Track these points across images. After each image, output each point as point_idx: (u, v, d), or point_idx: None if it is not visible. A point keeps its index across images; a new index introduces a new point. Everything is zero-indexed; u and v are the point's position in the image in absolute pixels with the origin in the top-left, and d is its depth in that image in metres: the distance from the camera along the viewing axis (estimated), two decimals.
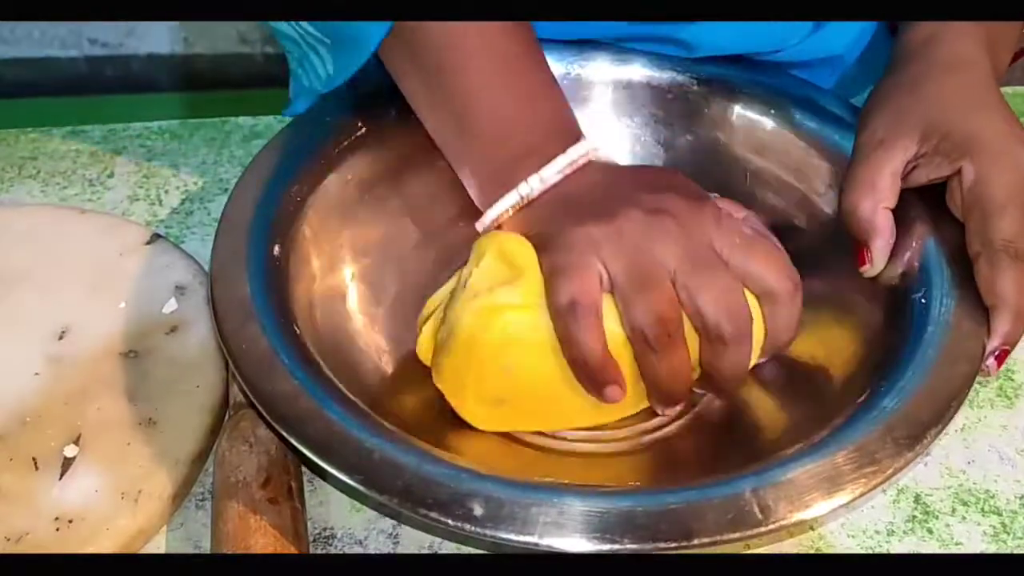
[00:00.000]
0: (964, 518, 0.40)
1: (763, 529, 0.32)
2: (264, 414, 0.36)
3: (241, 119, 0.60)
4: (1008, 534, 0.40)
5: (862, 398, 0.37)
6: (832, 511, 0.33)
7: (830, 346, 0.42)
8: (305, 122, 0.48)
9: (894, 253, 0.41)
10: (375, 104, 0.48)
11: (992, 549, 0.39)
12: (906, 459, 0.34)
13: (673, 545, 0.32)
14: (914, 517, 0.40)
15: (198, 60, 1.30)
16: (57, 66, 1.30)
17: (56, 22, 1.27)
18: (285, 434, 0.35)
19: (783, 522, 0.33)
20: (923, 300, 0.39)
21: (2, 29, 1.27)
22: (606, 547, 0.32)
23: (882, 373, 0.37)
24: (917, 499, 0.41)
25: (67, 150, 0.58)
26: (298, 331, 0.39)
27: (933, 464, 0.42)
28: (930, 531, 0.40)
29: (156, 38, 1.29)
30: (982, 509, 0.41)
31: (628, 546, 0.32)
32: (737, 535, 0.32)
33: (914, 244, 0.41)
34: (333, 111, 0.48)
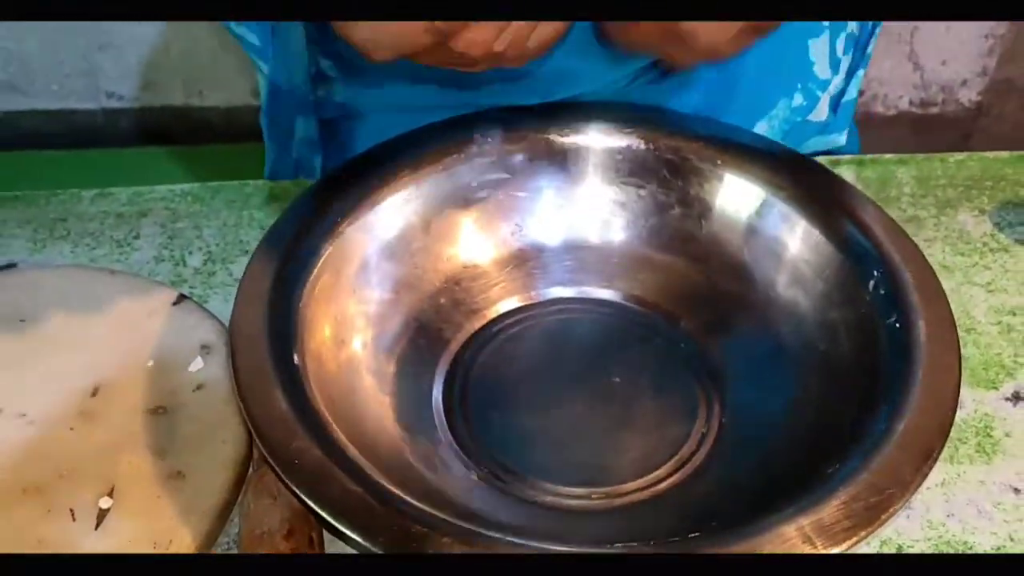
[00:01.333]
0: None
1: None
2: (281, 476, 0.38)
3: (260, 182, 0.63)
4: None
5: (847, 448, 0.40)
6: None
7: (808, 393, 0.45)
8: (320, 190, 0.51)
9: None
10: (382, 176, 0.51)
11: None
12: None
13: None
14: None
15: (211, 112, 1.34)
16: (74, 118, 1.34)
17: (74, 76, 1.31)
18: (300, 494, 0.38)
19: None
20: (897, 324, 0.42)
21: (21, 82, 1.31)
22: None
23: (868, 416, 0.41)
24: (899, 550, 0.44)
25: (95, 212, 0.61)
26: (312, 394, 0.42)
27: (915, 517, 0.45)
28: None
29: (170, 91, 1.33)
30: None
31: None
32: None
33: (876, 273, 0.45)
34: (343, 183, 0.51)
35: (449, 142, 0.54)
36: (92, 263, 0.57)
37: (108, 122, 1.35)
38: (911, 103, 1.29)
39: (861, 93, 1.27)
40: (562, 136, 0.54)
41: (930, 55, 1.24)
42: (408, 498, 0.38)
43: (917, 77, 1.26)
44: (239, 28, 0.61)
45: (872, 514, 0.36)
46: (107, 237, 0.60)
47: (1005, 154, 0.66)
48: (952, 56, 1.24)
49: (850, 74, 0.65)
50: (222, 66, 1.29)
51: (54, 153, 1.35)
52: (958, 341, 0.43)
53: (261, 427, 0.39)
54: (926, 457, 0.39)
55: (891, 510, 0.37)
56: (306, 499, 0.37)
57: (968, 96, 1.28)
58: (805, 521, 0.36)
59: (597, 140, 0.55)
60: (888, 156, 0.65)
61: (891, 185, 0.63)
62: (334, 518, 0.36)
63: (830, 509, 0.37)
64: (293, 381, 0.41)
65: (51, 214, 0.61)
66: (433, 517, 0.37)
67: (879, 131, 1.30)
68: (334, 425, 0.41)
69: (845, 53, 0.64)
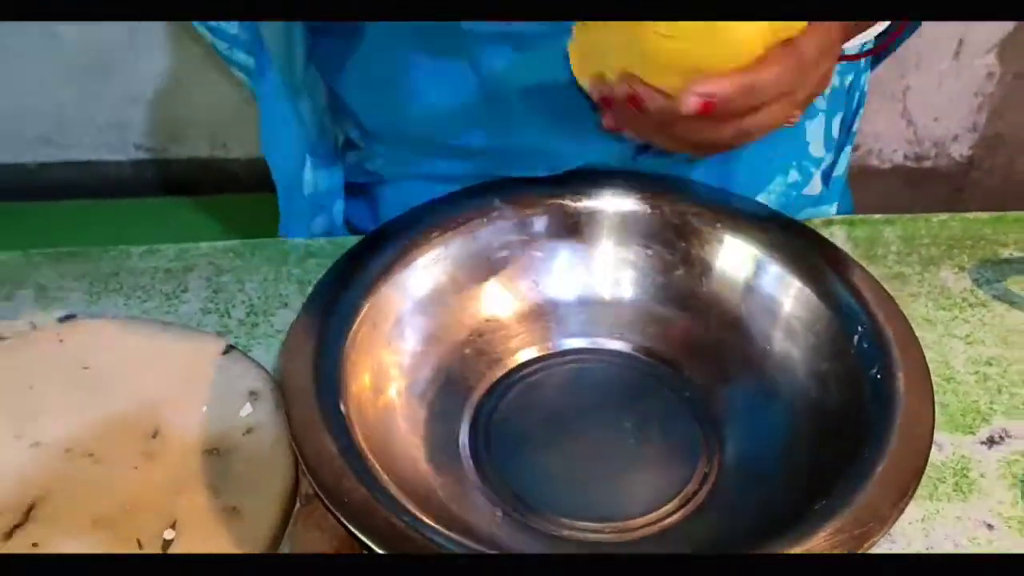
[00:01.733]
0: None
1: None
2: (333, 511, 0.43)
3: (297, 240, 0.69)
4: None
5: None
6: None
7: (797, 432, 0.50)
8: (358, 252, 0.57)
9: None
10: (413, 239, 0.57)
11: None
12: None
13: None
14: None
15: (234, 164, 1.40)
16: (104, 169, 1.40)
17: (106, 129, 1.37)
18: (349, 527, 0.42)
19: None
20: (878, 375, 0.47)
21: (55, 135, 1.37)
22: None
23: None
24: None
25: (145, 267, 0.67)
26: (356, 438, 0.47)
27: (897, 549, 0.49)
28: None
29: (195, 143, 1.39)
30: None
31: None
32: None
33: (860, 329, 0.50)
34: (379, 246, 0.56)
35: (472, 208, 0.59)
36: (144, 315, 0.63)
37: (136, 173, 1.40)
38: (905, 157, 1.35)
39: (856, 148, 1.33)
40: (575, 202, 0.60)
41: (922, 112, 1.30)
42: (441, 529, 0.43)
43: (911, 133, 1.32)
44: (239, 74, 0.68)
45: (855, 544, 0.41)
46: (157, 291, 0.65)
47: (985, 215, 0.71)
48: (943, 113, 1.30)
49: (839, 150, 0.70)
50: (246, 119, 1.35)
51: (84, 203, 1.41)
52: (932, 392, 0.48)
53: (314, 469, 0.44)
54: (902, 495, 0.43)
55: (871, 541, 0.41)
56: (355, 531, 0.42)
57: (959, 151, 1.34)
58: (796, 550, 0.41)
59: (607, 205, 0.60)
60: (876, 216, 0.70)
61: (879, 244, 0.68)
62: (379, 547, 0.41)
63: (817, 539, 0.41)
64: (339, 427, 0.46)
65: (104, 269, 0.67)
66: (461, 546, 0.42)
67: (875, 184, 1.36)
68: (376, 465, 0.45)
69: (840, 131, 0.69)
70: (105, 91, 1.33)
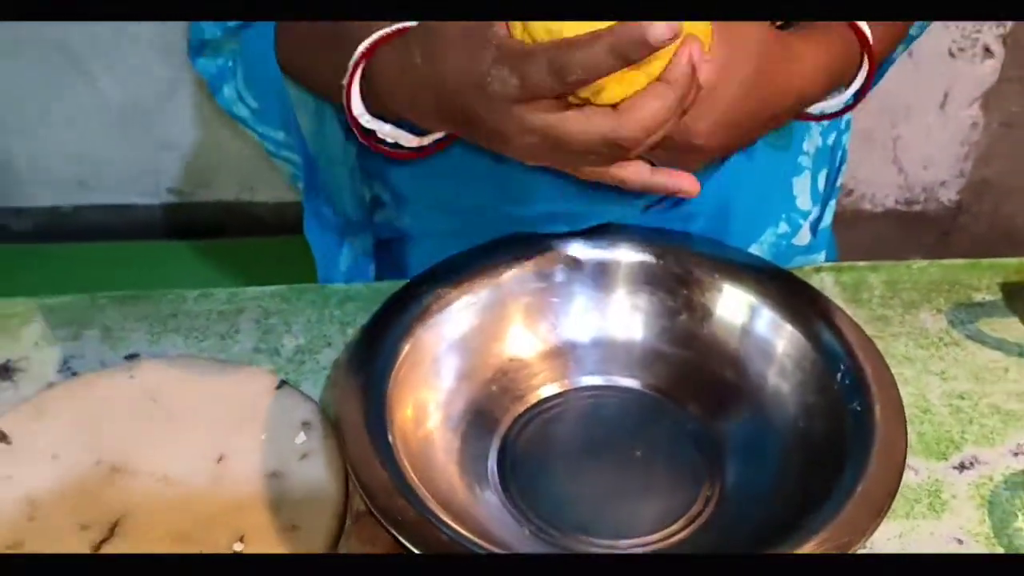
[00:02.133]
0: None
1: None
2: (388, 528, 0.50)
3: (337, 286, 0.76)
4: None
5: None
6: None
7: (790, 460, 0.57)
8: (397, 300, 0.64)
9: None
10: (445, 288, 0.64)
11: None
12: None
13: None
14: None
15: (260, 207, 1.47)
16: (135, 212, 1.48)
17: (138, 174, 1.44)
18: (404, 541, 0.49)
19: None
20: (858, 408, 0.54)
21: (90, 179, 1.45)
22: None
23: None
24: None
25: (200, 310, 0.74)
26: (403, 465, 0.54)
27: None
28: None
29: (224, 187, 1.47)
30: None
31: None
32: None
33: (842, 367, 0.57)
34: (415, 294, 0.63)
35: (498, 260, 0.66)
36: (201, 353, 0.70)
37: (166, 216, 1.48)
38: (896, 202, 1.42)
39: (850, 192, 1.40)
40: (589, 254, 0.67)
41: (912, 159, 1.37)
42: (480, 541, 0.50)
43: (901, 179, 1.39)
44: (281, 152, 0.75)
45: (841, 548, 0.48)
46: (211, 331, 0.72)
47: (960, 262, 0.78)
48: (932, 161, 1.37)
49: (825, 203, 0.78)
50: (272, 166, 1.43)
51: (116, 244, 1.48)
52: (905, 423, 0.55)
53: (371, 492, 0.51)
54: (878, 513, 0.50)
55: (853, 550, 0.48)
56: (409, 545, 0.48)
57: (948, 196, 1.41)
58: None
59: (618, 257, 0.67)
60: (862, 264, 0.77)
61: (864, 288, 0.75)
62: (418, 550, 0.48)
63: (806, 549, 0.48)
64: (389, 457, 0.53)
65: (163, 311, 0.74)
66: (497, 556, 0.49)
67: (868, 227, 1.43)
68: (421, 488, 0.52)
69: (825, 187, 0.77)
70: (140, 139, 1.40)
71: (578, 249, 0.67)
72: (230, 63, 0.70)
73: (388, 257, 0.82)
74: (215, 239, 1.48)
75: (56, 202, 1.46)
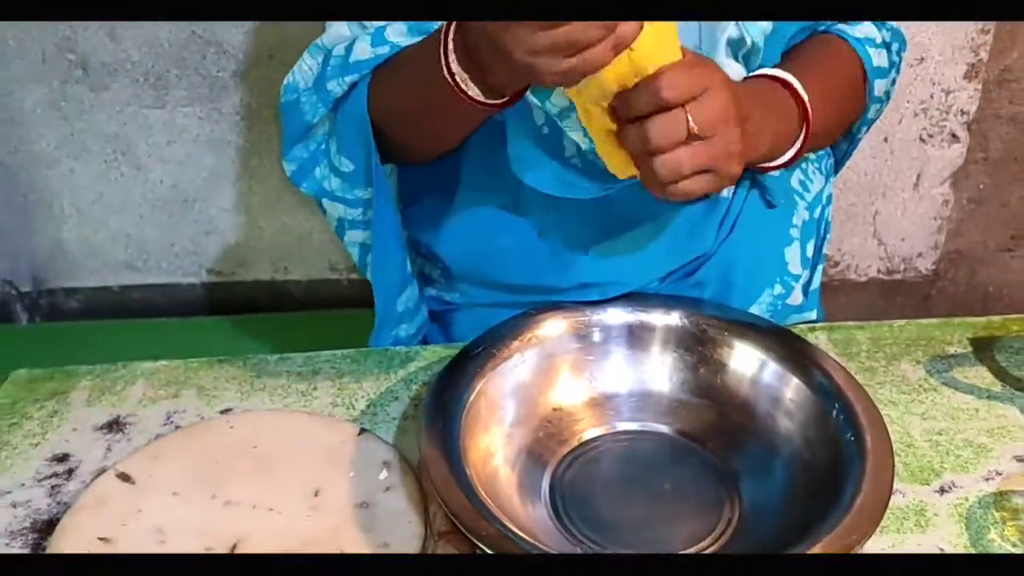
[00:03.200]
0: None
1: None
2: (476, 542, 0.61)
3: (399, 348, 0.87)
4: None
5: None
6: None
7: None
8: (459, 360, 0.75)
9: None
10: (499, 349, 0.76)
11: None
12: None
13: None
14: None
15: (293, 285, 1.59)
16: (178, 291, 1.59)
17: (182, 255, 1.56)
18: (480, 544, 0.60)
19: None
20: (852, 438, 0.66)
21: (136, 260, 1.56)
22: None
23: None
24: None
25: (280, 371, 0.85)
26: (480, 492, 0.64)
27: None
28: None
29: (260, 267, 1.58)
30: None
31: None
32: None
33: (836, 406, 0.69)
34: (475, 356, 0.75)
35: (542, 325, 0.78)
36: (286, 407, 0.81)
37: (206, 294, 1.59)
38: (878, 271, 1.55)
39: (836, 264, 1.53)
40: (619, 318, 0.79)
41: (890, 233, 1.51)
42: (549, 551, 0.61)
43: (882, 251, 1.53)
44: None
45: (844, 551, 0.59)
46: (293, 389, 0.83)
47: (935, 321, 0.90)
48: (908, 234, 1.51)
49: (813, 268, 0.90)
50: (305, 246, 1.54)
51: (161, 320, 1.59)
52: (892, 449, 0.66)
53: (458, 515, 0.61)
54: (873, 524, 0.61)
55: (853, 549, 0.59)
56: (493, 553, 0.59)
57: (924, 265, 1.54)
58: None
59: (643, 320, 0.79)
60: (850, 324, 0.89)
61: (852, 345, 0.87)
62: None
63: (820, 549, 0.59)
64: (467, 486, 0.64)
65: (249, 373, 0.85)
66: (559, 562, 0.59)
67: (854, 294, 1.56)
68: (495, 510, 0.63)
69: (813, 253, 0.90)
70: (183, 223, 1.52)
71: (610, 315, 0.80)
72: (323, 145, 0.82)
73: (436, 324, 0.94)
74: (251, 315, 1.59)
75: (104, 282, 1.57)
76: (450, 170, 0.85)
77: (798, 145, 0.78)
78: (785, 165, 0.79)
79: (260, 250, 1.56)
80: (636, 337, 0.79)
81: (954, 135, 1.42)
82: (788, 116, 0.77)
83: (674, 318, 0.79)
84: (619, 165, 0.68)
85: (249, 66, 1.35)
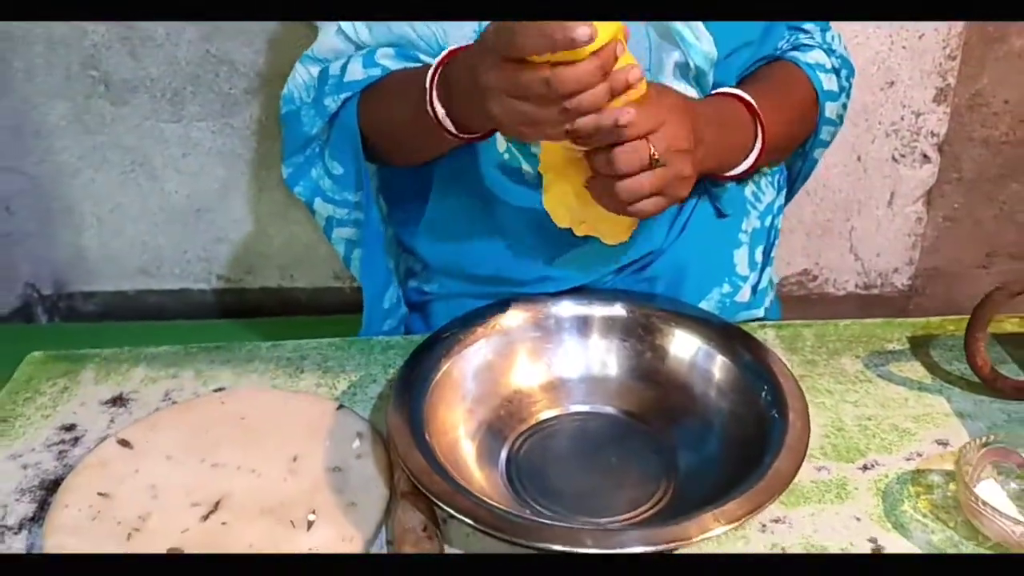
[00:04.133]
0: None
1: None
2: (430, 496, 0.68)
3: (380, 338, 0.95)
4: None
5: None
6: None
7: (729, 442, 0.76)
8: (428, 345, 0.83)
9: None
10: (464, 335, 0.84)
11: None
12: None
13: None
14: None
15: (299, 292, 1.67)
16: (190, 296, 1.67)
17: (194, 262, 1.65)
18: (441, 504, 0.67)
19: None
20: (776, 415, 0.73)
21: (151, 267, 1.65)
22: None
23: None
24: (782, 551, 0.72)
25: (271, 356, 0.93)
26: (439, 456, 0.72)
27: (794, 531, 0.73)
28: None
29: (268, 275, 1.67)
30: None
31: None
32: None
33: (764, 387, 0.77)
34: (443, 340, 0.83)
35: (504, 314, 0.86)
36: (275, 387, 0.89)
37: (217, 299, 1.68)
38: (856, 286, 1.62)
39: (815, 278, 1.60)
40: (574, 310, 0.87)
41: (867, 249, 1.57)
42: (495, 504, 0.68)
43: (859, 266, 1.59)
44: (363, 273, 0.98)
45: (753, 509, 0.66)
46: (281, 372, 0.91)
47: (878, 321, 0.97)
48: (884, 250, 1.57)
49: (761, 271, 0.98)
50: (311, 255, 1.63)
51: (173, 323, 1.67)
52: (809, 423, 0.73)
53: (416, 474, 0.69)
54: (784, 484, 0.68)
55: (763, 507, 0.66)
56: (444, 507, 0.67)
57: (900, 280, 1.61)
58: (717, 511, 0.66)
59: (595, 311, 0.87)
60: (798, 322, 0.97)
61: (798, 340, 0.94)
62: (456, 513, 0.66)
63: (732, 506, 0.66)
64: (427, 450, 0.72)
65: (242, 357, 0.93)
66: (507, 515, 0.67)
67: (832, 308, 1.62)
68: (453, 473, 0.71)
69: (762, 257, 0.97)
70: (196, 232, 1.61)
71: (566, 307, 0.87)
72: (317, 149, 0.93)
73: (417, 314, 1.03)
74: (259, 319, 1.67)
75: (120, 287, 1.66)
76: (426, 177, 0.94)
77: (754, 156, 0.86)
78: (743, 175, 0.87)
79: (268, 258, 1.64)
80: (589, 327, 0.87)
81: (925, 156, 1.49)
82: (744, 130, 0.85)
83: (625, 310, 0.87)
84: (563, 214, 0.82)
85: (260, 84, 1.45)
